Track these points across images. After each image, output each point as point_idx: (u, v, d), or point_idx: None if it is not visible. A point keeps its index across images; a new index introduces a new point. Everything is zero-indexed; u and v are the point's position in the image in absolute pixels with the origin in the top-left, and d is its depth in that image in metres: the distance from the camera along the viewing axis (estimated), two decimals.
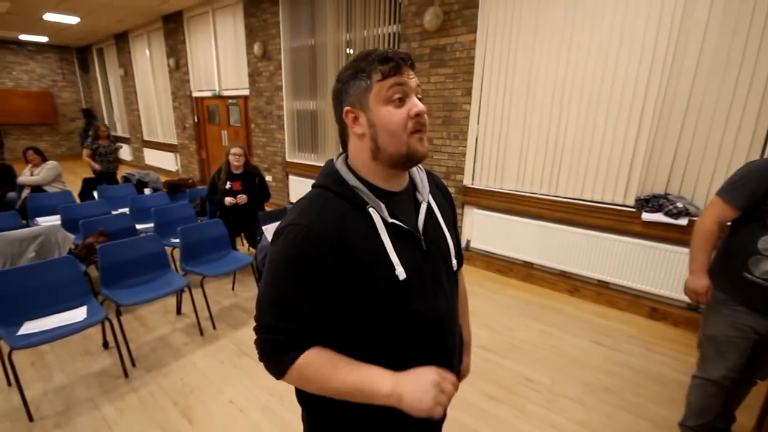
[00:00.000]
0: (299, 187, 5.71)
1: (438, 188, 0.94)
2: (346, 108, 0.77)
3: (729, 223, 1.61)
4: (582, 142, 3.19)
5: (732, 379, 1.62)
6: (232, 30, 6.12)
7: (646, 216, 2.90)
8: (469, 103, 3.74)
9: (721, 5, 2.48)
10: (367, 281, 0.73)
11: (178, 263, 3.11)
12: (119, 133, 10.52)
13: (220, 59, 6.55)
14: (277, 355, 0.74)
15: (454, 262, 0.89)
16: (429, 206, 0.85)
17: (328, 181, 0.79)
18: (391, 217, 0.77)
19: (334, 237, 0.71)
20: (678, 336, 2.77)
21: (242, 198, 3.50)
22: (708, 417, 1.71)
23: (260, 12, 5.54)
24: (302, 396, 0.88)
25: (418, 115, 0.74)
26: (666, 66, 2.72)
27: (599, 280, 3.28)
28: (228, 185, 3.56)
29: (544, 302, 3.27)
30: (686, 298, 1.72)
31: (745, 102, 2.48)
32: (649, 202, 2.91)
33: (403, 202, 0.82)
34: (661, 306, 2.97)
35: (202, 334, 2.70)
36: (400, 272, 0.74)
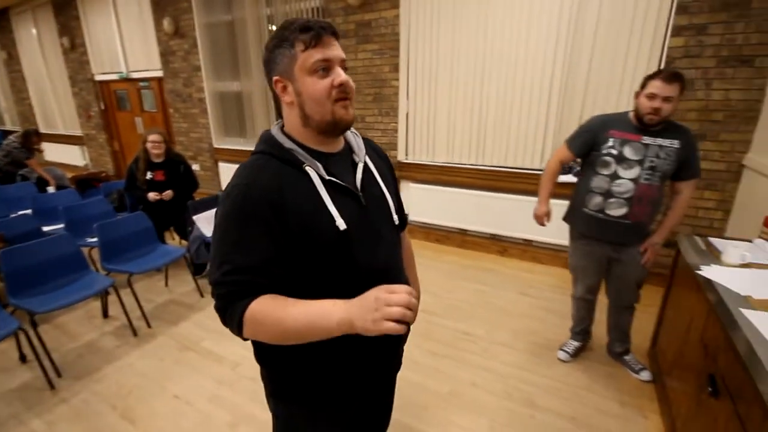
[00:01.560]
0: (231, 174, 5.42)
1: (375, 152, 0.98)
2: (275, 78, 0.80)
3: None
4: (503, 114, 3.41)
5: (590, 296, 2.11)
6: (135, 3, 5.51)
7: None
8: (398, 79, 3.79)
9: None
10: (309, 234, 0.77)
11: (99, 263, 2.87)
12: (8, 126, 9.12)
13: (124, 37, 5.89)
14: (230, 307, 0.75)
15: (395, 217, 0.94)
16: (366, 166, 0.90)
17: (266, 147, 0.83)
18: (328, 175, 0.81)
19: (275, 194, 0.76)
20: None
21: (168, 194, 3.28)
22: (583, 324, 2.23)
23: None
24: (261, 354, 0.91)
25: (342, 84, 0.77)
26: (567, 43, 2.99)
27: (524, 240, 3.60)
28: (149, 175, 3.31)
29: (478, 264, 3.52)
30: None
31: (633, 76, 2.83)
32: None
33: (339, 162, 0.86)
34: None
35: (135, 334, 2.54)
36: (340, 223, 0.79)
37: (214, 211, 3.37)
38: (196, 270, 3.28)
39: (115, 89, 6.39)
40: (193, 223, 3.20)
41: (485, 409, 1.91)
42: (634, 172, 1.76)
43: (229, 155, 5.36)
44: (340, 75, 0.77)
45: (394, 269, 0.93)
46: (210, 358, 2.31)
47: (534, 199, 3.35)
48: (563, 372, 2.15)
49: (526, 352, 2.31)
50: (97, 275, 2.57)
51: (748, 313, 1.23)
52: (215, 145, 5.48)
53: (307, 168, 0.80)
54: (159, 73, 5.65)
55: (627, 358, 2.12)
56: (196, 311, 2.82)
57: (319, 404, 0.92)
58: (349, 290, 0.76)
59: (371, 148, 0.98)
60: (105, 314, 2.76)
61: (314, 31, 0.75)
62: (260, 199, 0.75)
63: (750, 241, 1.84)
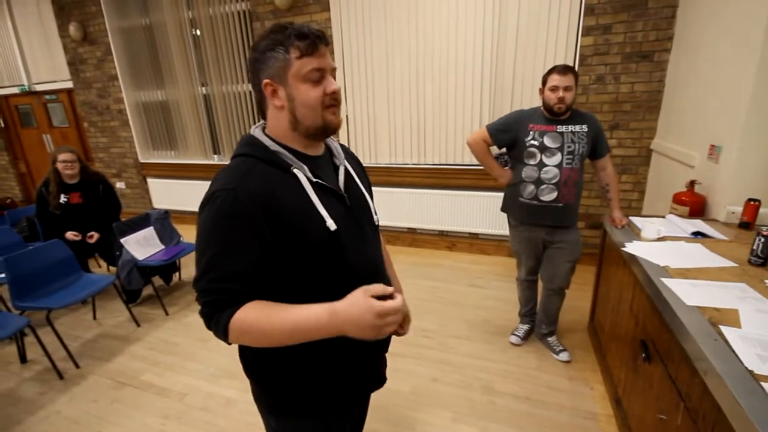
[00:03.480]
0: (162, 190, 5.05)
1: (351, 157, 1.02)
2: (265, 80, 0.79)
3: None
4: (439, 113, 3.51)
5: (532, 277, 2.27)
6: (34, 8, 4.93)
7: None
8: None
9: None
10: (300, 235, 0.77)
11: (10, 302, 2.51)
12: None
13: (23, 46, 5.25)
14: (216, 316, 0.74)
15: (375, 217, 0.98)
16: (346, 169, 0.93)
17: (250, 149, 0.81)
18: (315, 177, 0.82)
19: (264, 196, 0.74)
20: None
21: (94, 237, 2.99)
22: (529, 305, 2.37)
23: None
24: (249, 366, 0.91)
25: (334, 92, 0.80)
26: (494, 44, 3.16)
27: (470, 233, 3.74)
28: (63, 199, 2.96)
29: (428, 261, 3.60)
30: None
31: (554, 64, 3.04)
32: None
33: (322, 166, 0.88)
34: None
35: (61, 377, 2.26)
36: (331, 224, 0.80)
37: (146, 231, 3.12)
38: (129, 297, 3.00)
39: (17, 104, 5.67)
40: (121, 246, 2.92)
41: (447, 402, 1.94)
42: (557, 158, 1.93)
43: (159, 170, 4.98)
44: (332, 84, 0.80)
45: (379, 267, 0.95)
46: (152, 392, 2.12)
47: (476, 193, 3.54)
48: (516, 355, 2.25)
49: (481, 341, 2.39)
50: (9, 315, 2.25)
51: (668, 282, 1.37)
52: (141, 160, 5.06)
53: (295, 170, 0.80)
54: (68, 84, 5.11)
55: (550, 339, 2.28)
56: (131, 343, 2.57)
57: (318, 413, 0.92)
58: (338, 289, 0.77)
59: (346, 151, 1.00)
60: (23, 359, 2.42)
61: (310, 40, 0.76)
62: (250, 203, 0.73)
63: (663, 217, 2.06)
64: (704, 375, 1.00)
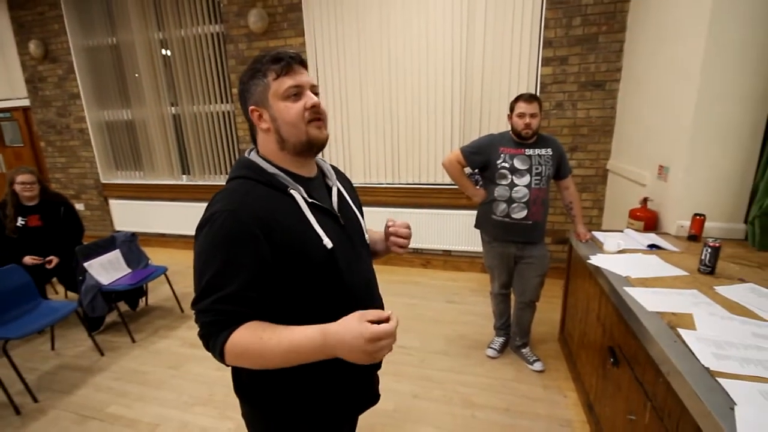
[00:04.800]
0: (126, 212, 4.85)
1: (342, 178, 1.04)
2: (251, 107, 0.84)
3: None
4: (412, 134, 3.64)
5: (505, 291, 2.37)
6: None
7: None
8: None
9: (492, 14, 3.19)
10: (299, 254, 0.79)
11: None
12: None
13: None
14: (214, 337, 0.74)
15: (367, 236, 1.01)
16: (339, 190, 0.96)
17: (247, 172, 0.84)
18: (310, 198, 0.85)
19: (264, 217, 0.76)
20: None
21: (53, 262, 2.84)
22: (503, 318, 2.46)
23: (32, 3, 4.44)
24: (243, 390, 0.90)
25: (314, 106, 0.82)
26: (462, 71, 3.35)
27: (444, 250, 3.83)
28: (20, 222, 2.80)
29: (404, 279, 3.65)
30: None
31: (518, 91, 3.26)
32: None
33: (316, 187, 0.91)
34: None
35: (18, 412, 2.09)
36: (327, 242, 0.83)
37: (111, 254, 2.99)
38: (92, 325, 2.83)
39: None
40: (84, 271, 2.78)
41: (429, 418, 1.97)
42: (526, 179, 2.07)
43: (123, 190, 4.80)
44: (311, 98, 0.82)
45: (371, 283, 0.99)
46: (120, 424, 2.00)
47: (449, 211, 3.66)
48: (493, 368, 2.32)
49: (459, 356, 2.45)
50: None
51: (630, 290, 1.48)
52: (103, 180, 4.86)
53: (292, 191, 0.83)
54: (24, 102, 4.88)
55: (524, 351, 2.38)
56: (95, 374, 2.42)
57: None
58: (335, 307, 0.80)
59: (337, 172, 1.03)
60: None
61: (284, 61, 0.81)
62: (251, 224, 0.75)
63: (621, 231, 2.23)
64: (667, 375, 1.09)
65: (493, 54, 3.26)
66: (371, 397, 1.04)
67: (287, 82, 0.80)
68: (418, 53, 3.43)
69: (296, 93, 0.81)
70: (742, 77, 1.90)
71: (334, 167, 1.03)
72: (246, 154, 0.88)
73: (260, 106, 0.83)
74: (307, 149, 0.85)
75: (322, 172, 0.97)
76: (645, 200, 2.34)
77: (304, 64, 0.85)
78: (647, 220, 2.27)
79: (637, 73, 2.78)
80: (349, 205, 0.98)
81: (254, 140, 0.89)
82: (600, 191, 3.31)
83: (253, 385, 0.88)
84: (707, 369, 1.02)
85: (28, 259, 2.75)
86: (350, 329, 0.68)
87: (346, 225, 0.92)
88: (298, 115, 0.81)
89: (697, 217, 1.99)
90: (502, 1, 3.15)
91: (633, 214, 2.34)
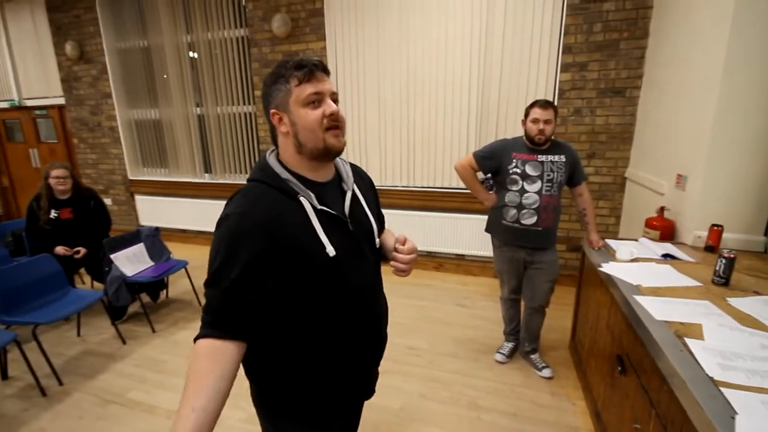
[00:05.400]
0: (151, 208, 5.04)
1: (361, 177, 1.07)
2: (272, 110, 0.87)
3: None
4: (428, 138, 3.68)
5: (514, 296, 2.36)
6: (31, 26, 5.01)
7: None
8: None
9: (512, 20, 3.20)
10: (302, 259, 0.83)
11: None
12: None
13: (16, 62, 5.28)
14: (203, 326, 0.79)
15: (377, 240, 1.02)
16: (354, 193, 0.97)
17: (262, 175, 0.88)
18: (320, 204, 0.87)
19: (270, 223, 0.80)
20: None
21: (81, 252, 2.99)
22: (513, 323, 2.46)
23: (69, 6, 4.68)
24: (250, 370, 0.95)
25: (332, 114, 0.85)
26: (480, 77, 3.37)
27: (457, 254, 3.84)
28: (53, 214, 2.96)
29: (416, 281, 3.67)
30: None
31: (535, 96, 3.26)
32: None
33: (330, 191, 0.93)
34: None
35: (44, 394, 2.21)
36: (330, 250, 0.85)
37: (136, 247, 3.13)
38: (116, 314, 2.97)
39: (4, 119, 5.64)
40: (110, 262, 2.92)
41: (435, 417, 1.99)
42: (537, 185, 2.07)
43: (148, 187, 4.99)
44: (331, 106, 0.85)
45: (375, 287, 1.01)
46: (139, 409, 2.10)
47: (463, 215, 3.67)
48: (501, 372, 2.32)
49: (468, 359, 2.46)
50: None
51: (640, 299, 1.48)
52: (131, 177, 5.06)
53: (301, 198, 0.86)
54: (60, 100, 5.14)
55: (533, 357, 2.37)
56: (117, 360, 2.54)
57: (314, 419, 0.96)
58: (336, 306, 0.85)
59: (357, 173, 1.05)
60: (4, 375, 2.37)
61: (307, 68, 0.83)
62: (256, 228, 0.79)
63: (636, 240, 2.20)
64: (671, 383, 1.10)
65: (512, 59, 3.27)
66: (367, 389, 1.08)
67: (308, 89, 0.83)
68: (437, 58, 3.47)
69: (316, 100, 0.84)
70: (763, 86, 1.86)
71: (354, 166, 1.05)
72: (267, 156, 0.92)
73: (281, 110, 0.86)
74: (324, 155, 0.88)
75: (339, 176, 0.99)
76: (662, 209, 2.31)
77: (326, 71, 0.87)
78: (663, 229, 2.24)
79: (658, 81, 2.75)
80: (363, 208, 0.99)
81: (275, 142, 0.92)
82: (617, 199, 3.26)
83: (257, 366, 0.93)
84: (711, 378, 1.02)
85: (59, 249, 2.90)
86: None
87: (355, 230, 0.93)
88: (316, 122, 0.84)
89: (715, 228, 1.96)
90: (521, 7, 3.16)
91: (649, 223, 2.31)
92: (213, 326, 0.77)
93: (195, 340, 0.78)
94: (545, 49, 3.17)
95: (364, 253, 0.96)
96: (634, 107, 3.07)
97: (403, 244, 0.97)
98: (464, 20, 3.31)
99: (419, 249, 3.89)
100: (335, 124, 0.86)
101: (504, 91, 3.35)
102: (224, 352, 0.76)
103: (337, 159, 0.98)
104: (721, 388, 0.98)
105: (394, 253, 0.98)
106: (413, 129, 3.71)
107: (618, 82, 3.07)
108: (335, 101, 0.87)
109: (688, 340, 1.19)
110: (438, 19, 3.38)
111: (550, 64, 3.18)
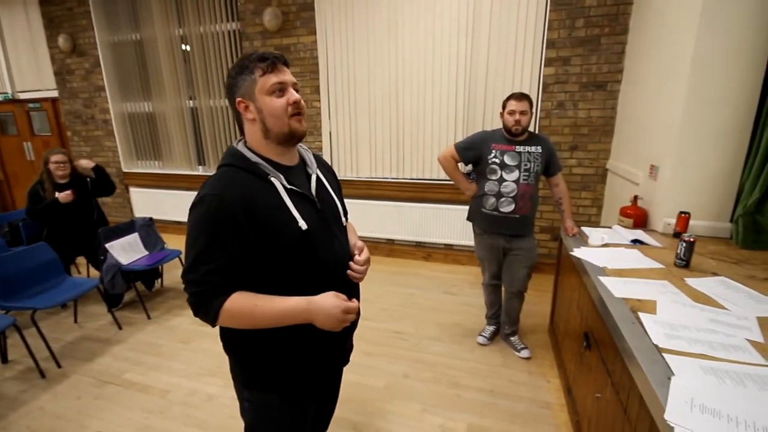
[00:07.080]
0: (145, 200, 5.10)
1: (323, 166, 1.14)
2: (238, 99, 0.94)
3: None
4: (417, 130, 3.76)
5: (495, 282, 2.48)
6: (23, 19, 5.02)
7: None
8: (319, 101, 3.98)
9: (497, 15, 3.28)
10: (276, 234, 0.90)
11: None
12: None
13: (9, 55, 5.29)
14: (206, 305, 0.88)
15: (344, 219, 1.12)
16: (318, 177, 1.06)
17: (233, 160, 0.95)
18: (289, 185, 0.95)
19: (245, 201, 0.87)
20: None
21: (71, 194, 2.98)
22: (494, 308, 2.58)
23: None
24: (230, 345, 1.04)
25: (296, 102, 0.94)
26: (467, 71, 3.45)
27: (445, 244, 3.94)
28: (57, 195, 3.03)
29: (405, 270, 3.77)
30: None
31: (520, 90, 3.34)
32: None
33: (297, 174, 1.01)
34: None
35: (43, 376, 2.30)
36: (302, 224, 0.93)
37: (130, 237, 3.20)
38: (112, 302, 3.05)
39: None
40: (106, 251, 2.99)
41: (417, 395, 2.10)
42: (515, 175, 2.17)
43: (143, 179, 5.04)
44: (294, 95, 0.94)
45: (345, 261, 1.07)
46: (135, 389, 2.19)
47: (451, 206, 3.76)
48: (482, 354, 2.43)
49: (451, 342, 2.57)
50: None
51: (604, 279, 1.58)
52: (125, 169, 5.12)
53: (272, 179, 0.93)
54: (53, 93, 5.16)
55: (513, 339, 2.48)
56: (113, 345, 2.63)
57: (286, 390, 1.04)
58: (310, 280, 0.95)
59: (320, 162, 1.13)
60: (4, 359, 2.45)
61: (270, 60, 0.91)
62: (233, 206, 0.86)
63: (610, 228, 2.31)
64: (623, 352, 1.20)
65: (497, 54, 3.35)
66: (341, 357, 1.17)
67: (272, 78, 0.91)
68: (425, 53, 3.54)
69: (280, 89, 0.92)
70: (731, 79, 1.96)
71: (317, 156, 1.14)
72: (234, 145, 0.99)
73: (246, 98, 0.93)
74: (288, 139, 0.96)
75: (303, 162, 1.07)
76: (635, 198, 2.41)
77: (287, 64, 0.96)
78: (636, 217, 2.35)
79: (636, 75, 2.84)
80: (328, 191, 1.07)
81: (241, 130, 0.99)
82: (599, 190, 3.37)
83: (237, 342, 1.01)
84: (656, 345, 1.13)
85: (62, 195, 2.93)
86: (330, 301, 0.92)
87: (323, 209, 1.01)
88: (281, 109, 0.92)
89: (682, 215, 2.06)
90: (507, 3, 3.23)
91: (623, 212, 2.42)
92: (216, 293, 0.88)
93: (214, 321, 0.89)
94: (529, 44, 3.25)
95: (332, 231, 1.04)
96: (614, 101, 3.16)
97: (360, 254, 1.07)
98: (451, 16, 3.39)
99: (408, 239, 4.01)
100: (298, 110, 0.94)
101: (490, 85, 3.44)
102: (244, 293, 0.91)
103: (300, 147, 1.07)
104: (664, 354, 1.09)
105: (351, 263, 1.06)
106: (402, 122, 3.78)
107: (599, 77, 3.16)
108: (297, 91, 0.96)
109: (641, 314, 1.30)
110: (426, 15, 3.45)
111: (534, 58, 3.27)
